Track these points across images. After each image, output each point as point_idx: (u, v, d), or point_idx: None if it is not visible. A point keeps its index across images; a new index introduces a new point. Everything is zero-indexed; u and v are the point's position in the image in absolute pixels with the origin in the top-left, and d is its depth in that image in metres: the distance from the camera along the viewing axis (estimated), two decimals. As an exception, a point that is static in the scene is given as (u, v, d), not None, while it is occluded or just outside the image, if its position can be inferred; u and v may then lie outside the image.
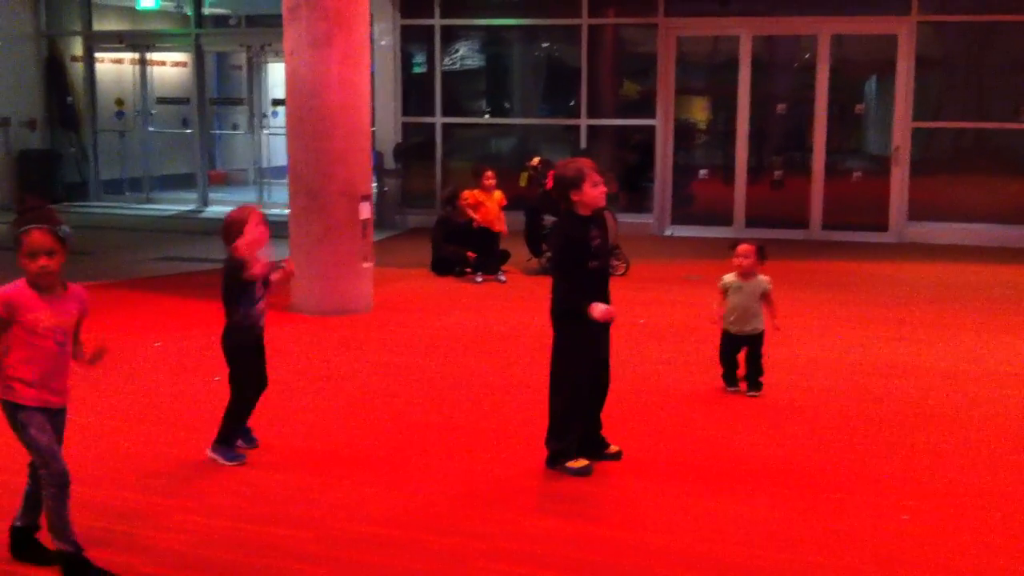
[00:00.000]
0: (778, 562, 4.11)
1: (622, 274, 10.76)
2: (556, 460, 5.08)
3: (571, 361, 5.02)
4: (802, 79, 14.28)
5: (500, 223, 11.02)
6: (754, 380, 6.49)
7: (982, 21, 13.68)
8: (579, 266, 4.95)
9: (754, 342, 6.44)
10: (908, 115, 13.61)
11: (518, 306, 9.42)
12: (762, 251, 6.42)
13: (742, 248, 6.39)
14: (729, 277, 6.42)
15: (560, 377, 5.07)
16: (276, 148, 17.55)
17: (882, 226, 13.82)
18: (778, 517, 4.56)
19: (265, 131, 17.63)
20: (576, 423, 5.09)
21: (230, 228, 5.06)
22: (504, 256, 11.13)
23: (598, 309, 4.86)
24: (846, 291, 10.21)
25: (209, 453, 5.18)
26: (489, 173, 11.15)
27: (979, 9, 13.58)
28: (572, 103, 14.86)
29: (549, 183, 11.08)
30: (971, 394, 6.54)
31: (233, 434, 5.23)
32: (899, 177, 13.73)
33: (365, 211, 8.84)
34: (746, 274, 6.39)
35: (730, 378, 6.54)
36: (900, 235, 13.71)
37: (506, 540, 4.31)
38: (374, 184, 13.47)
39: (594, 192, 4.92)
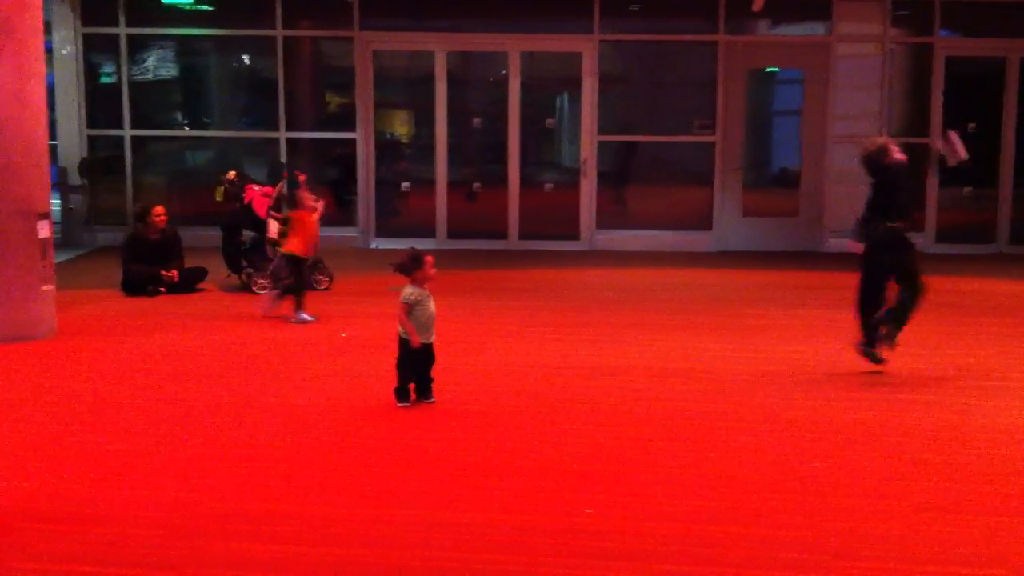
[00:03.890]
0: (468, 562, 4.26)
1: (325, 288, 10.72)
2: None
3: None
4: (497, 94, 14.78)
5: None
6: (430, 386, 6.60)
7: (657, 40, 14.72)
8: None
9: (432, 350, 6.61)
10: (594, 129, 14.41)
11: (215, 326, 9.14)
12: None
13: (431, 259, 6.53)
14: (413, 291, 6.48)
15: (917, 277, 7.28)
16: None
17: (574, 235, 14.56)
18: (471, 519, 4.71)
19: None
20: None
21: None
22: (200, 273, 10.80)
23: None
24: (539, 298, 10.67)
25: None
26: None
27: (655, 29, 14.61)
28: (270, 116, 14.62)
29: (247, 197, 10.91)
30: (651, 390, 7.01)
31: None
32: (587, 188, 14.51)
33: (44, 230, 8.31)
34: (425, 284, 6.54)
35: (407, 393, 6.54)
36: (590, 243, 14.49)
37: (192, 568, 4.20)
38: (57, 201, 12.70)
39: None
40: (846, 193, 14.31)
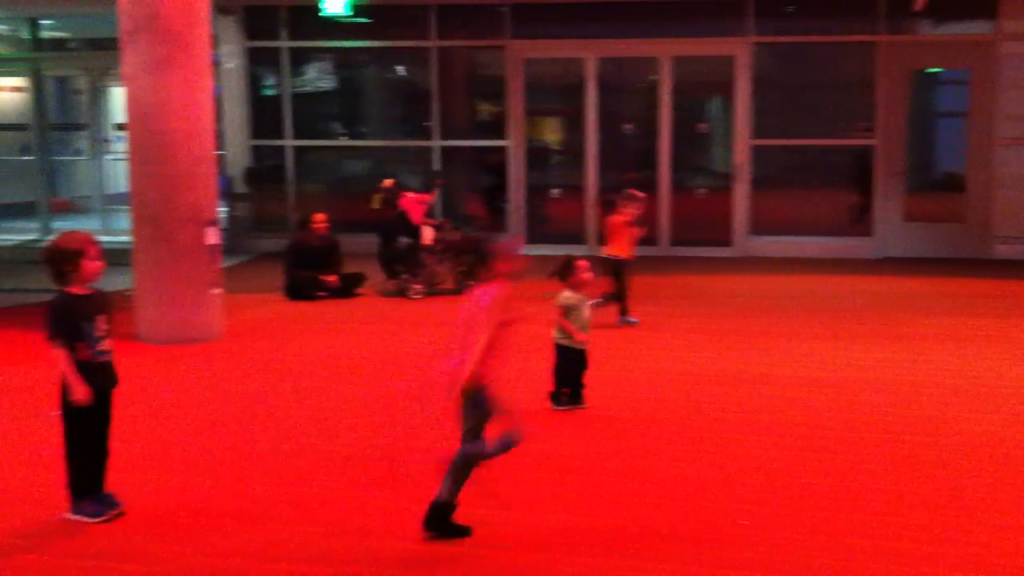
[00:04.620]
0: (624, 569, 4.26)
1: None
2: None
3: None
4: (647, 99, 14.69)
5: None
6: (582, 392, 6.62)
7: (813, 42, 14.37)
8: None
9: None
10: (747, 133, 14.16)
11: (374, 329, 9.39)
12: None
13: (584, 263, 6.56)
14: (570, 295, 6.53)
15: None
16: (120, 174, 17.07)
17: (726, 241, 14.33)
18: (620, 525, 4.70)
19: (108, 157, 17.11)
20: None
21: (63, 260, 4.62)
22: (359, 278, 11.10)
23: None
24: (690, 305, 10.55)
25: (70, 516, 4.72)
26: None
27: (810, 31, 14.26)
28: (425, 124, 14.94)
29: (402, 204, 11.17)
30: (803, 399, 6.85)
31: (82, 483, 4.72)
32: (741, 193, 14.26)
33: (212, 236, 8.70)
34: (581, 289, 6.56)
35: (564, 397, 6.57)
36: (743, 249, 14.23)
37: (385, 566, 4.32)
38: (224, 209, 13.27)
39: None
40: (1016, 198, 13.67)
